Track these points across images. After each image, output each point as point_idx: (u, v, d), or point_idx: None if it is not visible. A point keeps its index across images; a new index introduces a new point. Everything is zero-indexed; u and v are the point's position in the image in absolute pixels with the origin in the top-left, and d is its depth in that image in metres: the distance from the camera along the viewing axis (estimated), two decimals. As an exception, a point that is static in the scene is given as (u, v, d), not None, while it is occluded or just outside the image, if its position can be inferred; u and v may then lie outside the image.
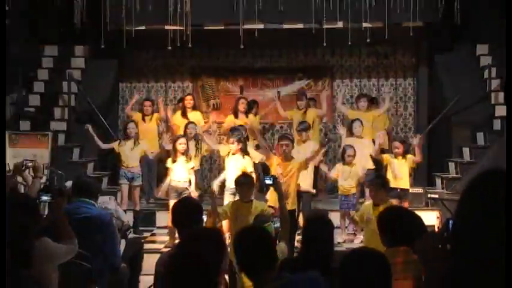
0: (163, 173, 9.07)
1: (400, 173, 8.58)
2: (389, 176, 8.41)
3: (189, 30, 9.93)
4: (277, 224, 5.60)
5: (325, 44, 10.23)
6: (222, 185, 8.48)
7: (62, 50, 11.53)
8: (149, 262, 5.61)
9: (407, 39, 10.68)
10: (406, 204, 8.20)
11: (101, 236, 5.41)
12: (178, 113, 10.54)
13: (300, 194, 8.04)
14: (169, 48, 10.02)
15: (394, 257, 3.66)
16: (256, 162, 8.57)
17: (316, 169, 9.20)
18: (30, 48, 11.11)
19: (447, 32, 10.90)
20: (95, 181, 6.72)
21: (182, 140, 8.49)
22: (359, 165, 8.84)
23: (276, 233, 5.29)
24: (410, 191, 8.87)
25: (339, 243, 8.32)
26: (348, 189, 8.75)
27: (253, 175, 7.88)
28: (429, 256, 2.28)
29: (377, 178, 7.07)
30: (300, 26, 10.57)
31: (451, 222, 2.20)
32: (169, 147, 8.86)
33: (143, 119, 10.14)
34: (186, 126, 9.40)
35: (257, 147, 9.14)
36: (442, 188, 10.23)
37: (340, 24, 10.24)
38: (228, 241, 5.30)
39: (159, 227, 9.35)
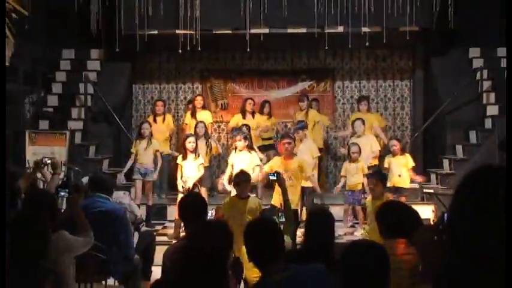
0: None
1: (400, 171, 8.57)
2: (390, 175, 8.41)
3: (199, 34, 9.94)
4: (283, 219, 5.60)
5: (326, 48, 10.30)
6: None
7: (79, 54, 11.54)
8: (161, 254, 5.61)
9: (404, 43, 10.71)
10: (403, 199, 8.17)
11: (115, 229, 5.42)
12: (189, 113, 10.61)
13: (303, 189, 8.00)
14: (180, 51, 10.04)
15: (392, 248, 3.65)
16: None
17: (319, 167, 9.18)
18: (49, 52, 11.12)
19: (441, 36, 10.86)
20: (109, 177, 6.72)
21: (191, 139, 8.47)
22: (364, 161, 8.82)
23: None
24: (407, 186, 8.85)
25: (339, 235, 8.30)
26: (355, 185, 8.71)
27: (259, 169, 7.89)
28: (426, 247, 2.27)
29: (375, 173, 7.07)
30: (303, 30, 10.56)
31: (445, 215, 2.20)
32: (175, 154, 8.86)
33: (154, 120, 10.13)
34: (195, 126, 9.47)
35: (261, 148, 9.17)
36: (437, 184, 10.21)
37: (341, 29, 10.21)
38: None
39: (170, 221, 9.33)
